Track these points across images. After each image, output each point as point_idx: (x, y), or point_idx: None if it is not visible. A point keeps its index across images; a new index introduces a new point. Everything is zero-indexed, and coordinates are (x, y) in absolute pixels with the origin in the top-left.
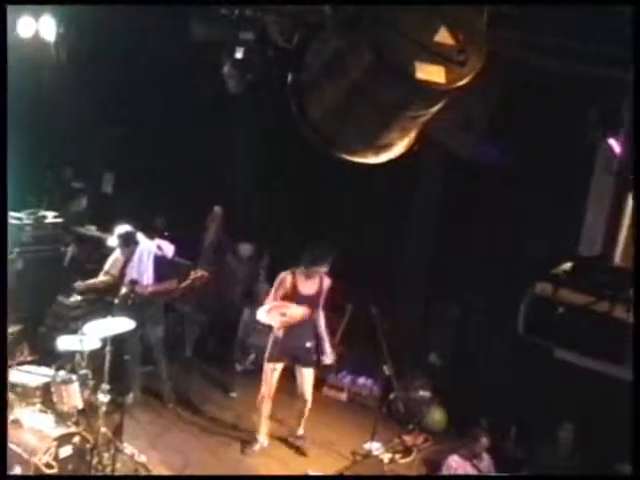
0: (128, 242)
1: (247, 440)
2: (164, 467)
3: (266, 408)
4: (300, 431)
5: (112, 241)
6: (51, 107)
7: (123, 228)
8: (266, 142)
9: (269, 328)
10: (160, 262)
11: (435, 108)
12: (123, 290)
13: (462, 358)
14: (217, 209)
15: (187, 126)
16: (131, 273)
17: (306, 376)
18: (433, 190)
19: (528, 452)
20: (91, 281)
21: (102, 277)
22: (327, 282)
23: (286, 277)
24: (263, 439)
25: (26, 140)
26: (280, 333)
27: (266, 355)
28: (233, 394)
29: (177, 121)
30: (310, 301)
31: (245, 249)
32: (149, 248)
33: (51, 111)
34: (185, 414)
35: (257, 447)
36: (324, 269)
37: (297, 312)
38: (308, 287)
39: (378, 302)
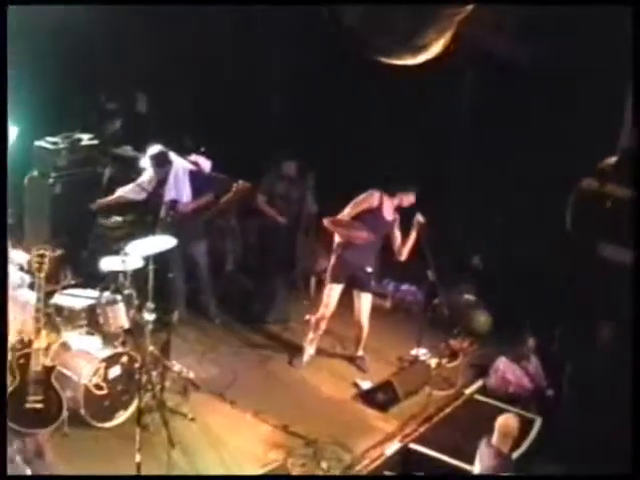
0: (161, 162)
1: (295, 352)
2: (213, 383)
3: (322, 327)
4: (360, 352)
5: (145, 162)
6: (81, 31)
7: (155, 148)
8: (300, 55)
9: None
10: (196, 177)
11: (469, 6)
12: (163, 210)
13: (505, 260)
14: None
15: (220, 43)
16: (170, 194)
17: (364, 301)
18: (472, 94)
19: (572, 352)
20: (113, 196)
21: (129, 188)
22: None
23: (375, 194)
24: (311, 350)
25: (59, 64)
26: (344, 253)
27: (327, 275)
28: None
29: (211, 37)
30: (386, 228)
31: (289, 167)
32: (183, 166)
33: (82, 35)
34: (231, 329)
35: (306, 358)
36: (410, 197)
37: (361, 235)
38: (389, 212)
39: (420, 207)
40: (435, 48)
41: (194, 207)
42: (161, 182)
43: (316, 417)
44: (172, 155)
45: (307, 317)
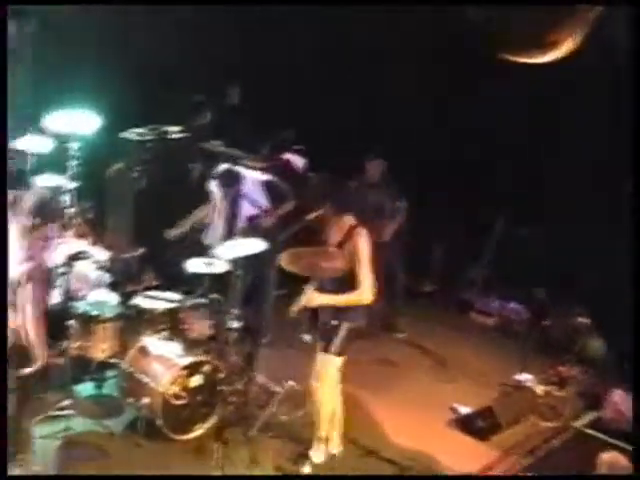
0: (230, 181)
1: None
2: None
3: None
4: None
5: (212, 186)
6: (170, 24)
7: (222, 167)
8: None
9: None
10: (270, 187)
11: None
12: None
13: (622, 280)
14: None
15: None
16: (248, 210)
17: (318, 361)
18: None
19: None
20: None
21: (203, 214)
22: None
23: None
24: None
25: (147, 57)
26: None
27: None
28: None
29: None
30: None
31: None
32: (255, 178)
33: (170, 28)
34: None
35: None
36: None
37: None
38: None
39: (526, 223)
40: (566, 46)
41: (276, 218)
42: (233, 201)
43: (409, 442)
44: (241, 170)
45: None
